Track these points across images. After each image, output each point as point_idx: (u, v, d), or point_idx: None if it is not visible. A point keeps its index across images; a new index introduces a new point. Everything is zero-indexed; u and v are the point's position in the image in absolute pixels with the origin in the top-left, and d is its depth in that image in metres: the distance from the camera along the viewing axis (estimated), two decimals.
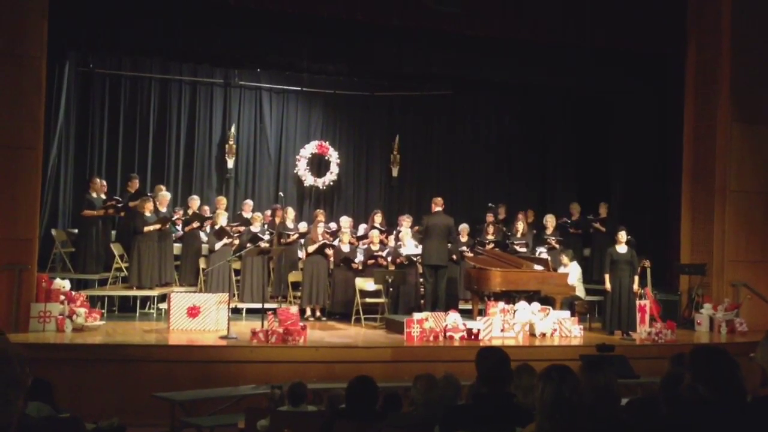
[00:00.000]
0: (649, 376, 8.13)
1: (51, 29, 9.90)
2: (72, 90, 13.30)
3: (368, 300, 11.76)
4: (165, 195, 12.54)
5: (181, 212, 13.24)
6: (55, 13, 9.98)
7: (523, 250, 12.81)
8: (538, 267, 11.39)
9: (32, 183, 9.67)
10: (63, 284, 9.93)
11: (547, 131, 16.40)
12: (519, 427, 3.79)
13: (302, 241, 12.59)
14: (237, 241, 12.18)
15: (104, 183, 12.75)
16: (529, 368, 4.30)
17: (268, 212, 13.46)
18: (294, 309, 10.08)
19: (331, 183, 15.44)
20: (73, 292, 10.18)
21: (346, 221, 13.04)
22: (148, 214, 11.76)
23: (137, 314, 11.72)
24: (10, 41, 9.52)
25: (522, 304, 10.74)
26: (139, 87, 14.63)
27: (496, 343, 9.77)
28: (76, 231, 12.49)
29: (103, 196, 12.42)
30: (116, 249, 12.22)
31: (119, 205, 12.42)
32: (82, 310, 9.73)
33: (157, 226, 11.77)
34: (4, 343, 1.54)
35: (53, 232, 12.40)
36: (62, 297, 9.74)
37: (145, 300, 11.98)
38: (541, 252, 12.72)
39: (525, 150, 16.47)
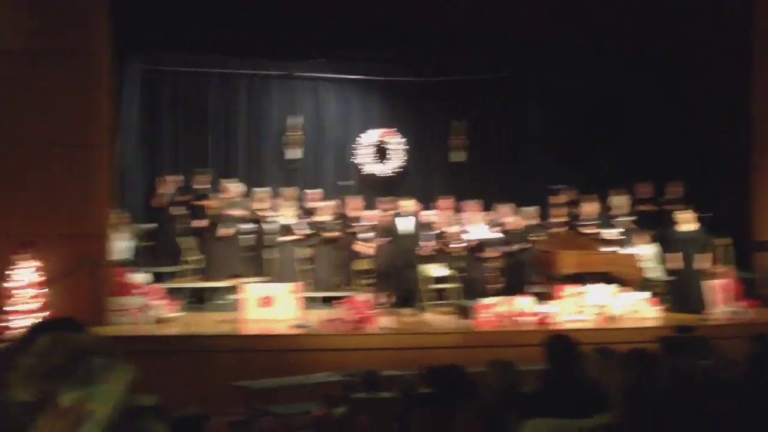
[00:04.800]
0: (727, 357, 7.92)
1: (115, 28, 10.11)
2: (138, 87, 13.58)
3: (436, 286, 11.76)
4: (230, 188, 12.75)
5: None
6: (119, 13, 10.19)
7: (593, 231, 12.60)
8: (608, 248, 11.21)
9: (102, 180, 9.92)
10: (139, 278, 10.20)
11: (613, 109, 16.02)
12: (595, 412, 3.75)
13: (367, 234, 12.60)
14: (305, 232, 12.30)
15: (174, 179, 13.02)
16: (607, 351, 4.25)
17: (333, 202, 13.54)
18: (364, 297, 10.15)
19: (394, 171, 15.44)
20: (150, 285, 10.44)
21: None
22: (213, 213, 11.97)
23: (211, 306, 11.95)
24: (76, 41, 9.74)
25: (594, 286, 10.58)
26: (202, 82, 14.85)
27: (569, 326, 9.67)
28: (149, 226, 12.79)
29: (177, 191, 12.68)
30: (188, 242, 12.49)
31: (187, 202, 12.67)
32: (159, 303, 9.98)
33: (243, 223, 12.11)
34: (110, 345, 1.58)
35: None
36: (139, 290, 10.00)
37: (217, 291, 12.21)
38: (612, 233, 12.50)
39: (591, 129, 16.14)
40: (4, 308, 8.81)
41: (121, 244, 11.46)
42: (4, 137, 9.50)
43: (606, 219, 13.30)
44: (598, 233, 12.64)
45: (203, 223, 12.19)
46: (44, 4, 9.65)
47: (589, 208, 13.09)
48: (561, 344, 4.03)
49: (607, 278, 11.04)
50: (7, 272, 8.89)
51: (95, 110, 9.79)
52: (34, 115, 9.53)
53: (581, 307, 10.32)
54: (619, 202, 13.19)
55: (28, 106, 9.52)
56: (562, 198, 14.07)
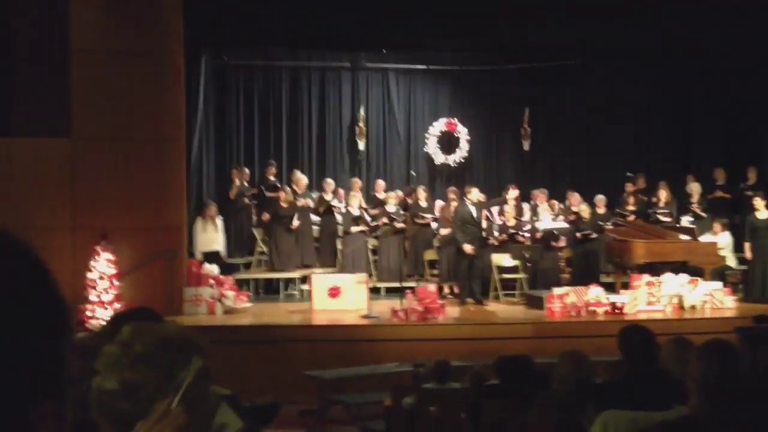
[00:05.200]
0: None
1: (186, 25, 10.33)
2: (209, 82, 13.83)
3: (505, 276, 11.66)
4: (301, 178, 12.88)
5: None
6: (190, 10, 10.40)
7: (667, 219, 12.29)
8: (683, 237, 10.93)
9: (177, 174, 10.20)
10: (212, 269, 10.42)
11: (686, 93, 15.60)
12: (676, 404, 3.66)
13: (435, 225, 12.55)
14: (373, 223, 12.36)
15: (246, 171, 13.24)
16: (685, 341, 4.13)
17: (401, 192, 13.55)
18: (432, 287, 10.14)
19: (462, 160, 15.36)
20: (222, 276, 10.65)
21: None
22: (284, 205, 12.12)
23: (281, 296, 12.12)
24: (150, 39, 10.00)
25: (668, 276, 10.33)
26: (271, 76, 15.04)
27: (643, 317, 9.47)
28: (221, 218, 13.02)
29: (246, 184, 12.90)
30: (258, 233, 12.69)
31: (255, 194, 12.88)
32: (231, 293, 10.17)
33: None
34: (193, 334, 1.62)
35: (199, 219, 12.98)
36: (211, 281, 10.21)
37: (287, 282, 12.37)
38: (687, 221, 12.17)
39: (663, 116, 15.74)
40: (88, 298, 9.13)
41: (212, 236, 11.68)
42: (84, 134, 9.82)
43: (681, 206, 12.97)
44: (673, 221, 12.34)
45: (271, 214, 12.35)
46: (121, 4, 9.93)
47: (664, 194, 12.76)
48: (638, 335, 3.94)
49: (680, 268, 10.77)
50: (90, 264, 9.22)
51: (170, 106, 10.04)
52: (112, 111, 9.83)
53: (654, 297, 10.09)
54: (695, 188, 12.83)
55: (106, 104, 9.83)
56: (637, 185, 13.77)
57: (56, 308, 0.79)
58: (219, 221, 12.03)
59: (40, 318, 0.77)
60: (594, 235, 11.94)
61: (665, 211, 12.49)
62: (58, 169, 9.86)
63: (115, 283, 9.26)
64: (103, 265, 9.21)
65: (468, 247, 11.02)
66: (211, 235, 11.75)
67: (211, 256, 11.47)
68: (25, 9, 10.51)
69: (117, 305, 9.03)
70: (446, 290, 11.90)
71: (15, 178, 9.72)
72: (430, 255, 12.48)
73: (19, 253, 0.77)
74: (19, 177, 9.73)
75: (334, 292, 10.38)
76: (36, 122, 10.12)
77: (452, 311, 10.12)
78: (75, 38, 9.82)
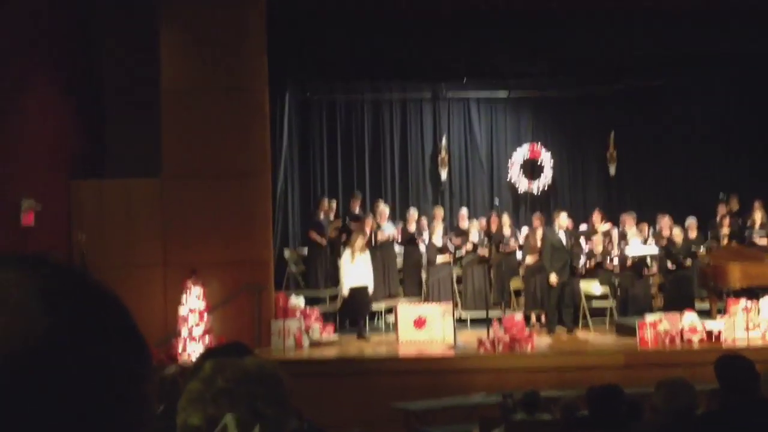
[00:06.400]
0: None
1: (270, 61, 10.60)
2: (292, 117, 14.11)
3: (594, 303, 11.38)
4: (384, 209, 12.95)
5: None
6: (274, 46, 10.67)
7: (764, 241, 11.79)
8: None
9: (264, 207, 10.41)
10: (298, 301, 10.53)
11: None
12: None
13: (519, 253, 12.38)
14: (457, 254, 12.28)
15: (332, 204, 13.39)
16: None
17: (484, 220, 13.44)
18: (519, 316, 9.99)
19: (546, 187, 15.16)
20: (308, 309, 10.75)
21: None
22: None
23: (367, 328, 12.13)
24: (236, 77, 10.30)
25: (766, 300, 9.89)
26: (353, 109, 15.23)
27: (741, 344, 9.09)
28: (306, 250, 13.18)
29: (331, 217, 13.04)
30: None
31: (340, 227, 12.99)
32: (317, 326, 10.26)
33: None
34: (274, 368, 1.62)
35: (285, 252, 13.18)
36: (298, 314, 10.32)
37: (373, 314, 12.38)
38: None
39: (753, 133, 15.15)
40: (180, 332, 9.36)
41: (361, 270, 11.07)
42: (174, 172, 10.14)
43: None
44: None
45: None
46: (207, 43, 10.27)
47: (760, 215, 12.26)
48: (738, 365, 3.78)
49: None
50: (181, 298, 9.46)
51: (256, 141, 10.30)
52: (200, 149, 10.13)
53: (753, 323, 9.66)
54: None
55: (193, 141, 10.14)
56: (730, 206, 13.27)
57: (139, 347, 0.80)
58: (368, 254, 11.29)
59: (127, 357, 0.77)
60: (688, 262, 11.54)
61: (762, 232, 11.99)
62: (149, 207, 10.20)
63: (205, 317, 9.47)
64: (193, 300, 9.43)
65: (554, 278, 10.84)
66: (361, 270, 11.03)
67: (360, 292, 10.92)
68: (113, 49, 11.00)
69: (207, 339, 9.23)
70: (533, 319, 11.69)
71: (108, 217, 10.10)
72: (515, 283, 12.30)
73: (98, 294, 0.78)
74: (112, 216, 10.11)
75: (419, 323, 10.34)
76: (128, 163, 10.53)
77: (540, 340, 9.93)
78: (164, 78, 10.19)
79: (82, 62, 10.82)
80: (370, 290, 11.11)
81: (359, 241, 10.99)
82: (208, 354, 1.83)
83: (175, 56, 10.27)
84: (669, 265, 11.64)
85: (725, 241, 11.76)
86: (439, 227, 12.54)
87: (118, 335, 0.76)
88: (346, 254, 11.09)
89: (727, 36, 12.15)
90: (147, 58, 10.43)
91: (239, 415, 1.46)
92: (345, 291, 10.94)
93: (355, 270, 10.92)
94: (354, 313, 11.29)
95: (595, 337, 10.54)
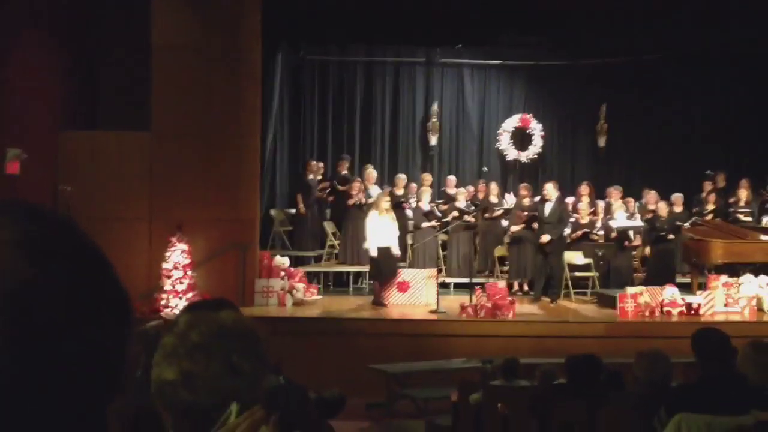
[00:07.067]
0: None
1: (264, 21, 10.48)
2: (284, 77, 14.00)
3: (577, 274, 11.47)
4: (372, 173, 12.92)
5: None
6: (268, 6, 10.55)
7: (748, 219, 11.89)
8: (764, 237, 10.56)
9: (252, 167, 10.38)
10: (283, 261, 10.55)
11: (766, 90, 15.00)
12: (755, 409, 3.55)
13: (505, 221, 12.41)
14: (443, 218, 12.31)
15: (320, 165, 13.36)
16: (763, 345, 3.99)
17: (472, 188, 13.47)
18: (502, 283, 10.06)
19: (535, 156, 15.16)
20: (292, 269, 10.78)
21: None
22: (356, 198, 12.17)
23: (351, 289, 12.20)
24: (229, 38, 10.21)
25: (748, 277, 10.00)
26: (346, 71, 15.12)
27: (719, 318, 9.21)
28: (293, 211, 13.18)
29: (319, 177, 13.02)
30: (329, 227, 12.80)
31: (328, 190, 12.97)
32: (301, 286, 10.30)
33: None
34: (251, 323, 1.62)
35: (272, 212, 13.19)
36: (282, 273, 10.35)
37: (357, 275, 12.43)
38: None
39: (743, 113, 15.18)
40: (163, 287, 9.38)
41: (389, 230, 10.76)
42: (163, 128, 10.06)
43: (762, 205, 12.52)
44: (753, 221, 11.92)
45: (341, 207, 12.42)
46: (204, 4, 10.15)
47: (745, 193, 12.34)
48: (713, 337, 3.83)
49: (761, 268, 10.41)
50: (166, 254, 9.46)
51: (247, 102, 10.23)
52: (192, 107, 10.06)
53: (732, 299, 9.78)
54: None
55: (187, 99, 10.06)
56: (716, 183, 13.34)
57: (122, 300, 0.80)
58: (392, 215, 10.96)
59: (109, 311, 0.77)
60: (671, 236, 11.62)
61: (746, 210, 12.08)
62: (138, 161, 10.14)
63: (189, 273, 9.47)
64: (178, 256, 9.43)
65: (546, 237, 10.90)
66: (387, 230, 10.66)
67: (386, 253, 10.57)
68: (105, 4, 10.85)
69: (191, 295, 9.25)
70: (516, 287, 11.77)
71: (97, 170, 10.04)
72: (500, 251, 12.36)
73: (84, 246, 0.78)
74: (101, 169, 10.05)
75: (403, 287, 10.40)
76: (119, 116, 10.45)
77: (522, 308, 10.01)
78: (155, 35, 10.07)
79: (75, 12, 10.67)
80: (395, 252, 10.79)
81: (384, 203, 10.71)
82: (188, 309, 1.85)
83: (167, 13, 10.11)
84: (652, 238, 11.71)
85: (710, 217, 11.84)
86: (426, 193, 12.55)
87: (100, 288, 0.76)
88: (372, 215, 10.67)
89: (719, 21, 12.10)
90: (141, 13, 10.30)
91: (240, 405, 1.44)
92: (373, 252, 10.50)
93: (381, 230, 10.53)
94: (384, 276, 10.67)
95: (576, 307, 10.65)
